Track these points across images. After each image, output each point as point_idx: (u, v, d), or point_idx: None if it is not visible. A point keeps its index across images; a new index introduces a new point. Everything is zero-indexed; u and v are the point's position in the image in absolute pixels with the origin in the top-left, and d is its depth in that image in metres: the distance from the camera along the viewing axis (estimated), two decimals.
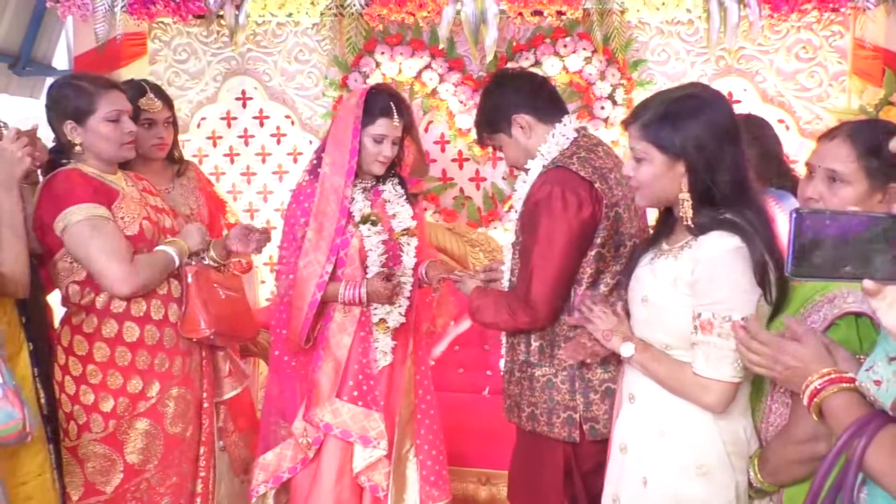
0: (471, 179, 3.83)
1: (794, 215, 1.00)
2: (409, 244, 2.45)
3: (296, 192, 2.42)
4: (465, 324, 3.46)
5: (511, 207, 3.65)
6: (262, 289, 3.86)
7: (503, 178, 3.80)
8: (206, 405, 2.39)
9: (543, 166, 1.98)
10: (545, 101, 2.05)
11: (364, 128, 2.32)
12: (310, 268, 2.31)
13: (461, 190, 3.83)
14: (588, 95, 3.57)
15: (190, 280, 2.31)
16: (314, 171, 2.40)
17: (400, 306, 2.41)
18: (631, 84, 3.56)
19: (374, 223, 2.40)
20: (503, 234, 3.73)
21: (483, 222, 3.77)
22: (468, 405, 3.27)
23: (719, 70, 3.54)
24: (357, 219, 2.38)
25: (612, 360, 1.90)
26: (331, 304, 2.38)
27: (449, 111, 3.73)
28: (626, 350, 1.67)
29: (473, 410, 3.23)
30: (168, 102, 2.70)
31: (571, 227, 1.84)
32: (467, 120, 3.71)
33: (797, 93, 3.49)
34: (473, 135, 3.68)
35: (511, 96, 2.05)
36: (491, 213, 3.78)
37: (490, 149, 3.65)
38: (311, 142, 3.91)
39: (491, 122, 2.10)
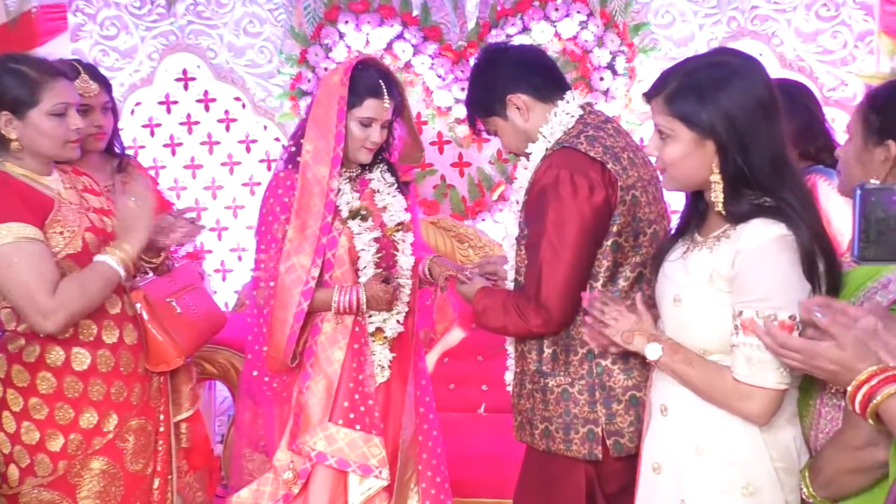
0: (453, 165, 3.84)
1: (858, 192, 1.01)
2: (404, 241, 2.44)
3: (272, 185, 2.39)
4: (457, 333, 3.47)
5: (500, 196, 3.75)
6: (226, 287, 3.82)
7: (490, 163, 3.83)
8: (162, 428, 2.37)
9: (547, 149, 1.99)
10: (544, 78, 2.06)
11: (350, 110, 2.31)
12: (293, 273, 2.28)
13: (442, 177, 3.84)
14: (584, 65, 3.61)
15: (140, 309, 2.29)
16: (292, 159, 2.38)
17: (398, 313, 2.41)
18: (632, 51, 3.62)
19: (364, 218, 2.39)
20: (493, 226, 3.76)
21: (469, 214, 3.79)
22: (462, 425, 3.27)
23: (731, 32, 3.61)
24: (345, 214, 2.37)
25: (636, 364, 1.92)
26: (318, 314, 2.37)
27: (425, 87, 3.74)
28: (652, 352, 1.66)
29: (469, 431, 3.23)
30: (105, 85, 2.65)
31: (583, 215, 1.85)
32: (446, 97, 3.72)
33: (819, 56, 3.57)
34: (454, 113, 3.82)
35: (504, 74, 2.05)
36: (478, 202, 3.79)
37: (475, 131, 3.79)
38: (265, 127, 3.90)
39: (483, 105, 2.10)
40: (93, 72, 2.64)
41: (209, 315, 2.52)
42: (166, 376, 2.40)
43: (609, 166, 1.87)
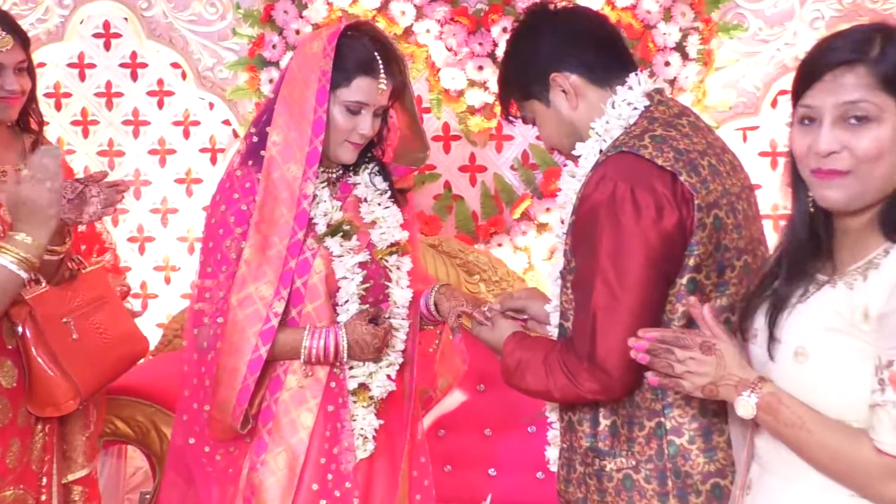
0: (462, 169, 3.84)
1: None
2: (399, 267, 2.46)
3: (224, 187, 2.40)
4: (455, 394, 3.47)
5: (525, 214, 3.75)
6: (149, 319, 3.80)
7: (512, 168, 3.83)
8: (44, 496, 2.38)
9: (601, 151, 2.00)
10: (601, 53, 2.07)
11: (333, 90, 2.33)
12: (249, 307, 2.29)
13: (447, 185, 3.84)
14: (645, 45, 3.63)
15: (22, 331, 2.30)
16: (253, 153, 2.38)
17: (389, 364, 2.42)
18: (710, 29, 3.64)
19: (346, 235, 2.39)
20: (514, 254, 3.76)
21: (481, 235, 3.79)
22: None
23: (844, 11, 3.64)
24: (321, 229, 2.38)
25: (720, 442, 1.92)
26: (280, 364, 2.38)
27: (431, 63, 3.75)
28: (745, 406, 1.65)
29: None
30: (22, 39, 2.66)
31: (650, 244, 1.85)
32: (457, 77, 3.73)
33: None
34: (468, 100, 3.82)
35: (549, 45, 2.07)
36: (493, 221, 3.80)
37: (496, 123, 3.80)
38: (211, 105, 3.91)
39: (521, 84, 2.12)
40: (6, 20, 2.65)
41: (123, 340, 2.53)
42: (54, 424, 2.42)
43: (682, 178, 1.87)
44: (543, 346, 2.03)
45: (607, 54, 2.08)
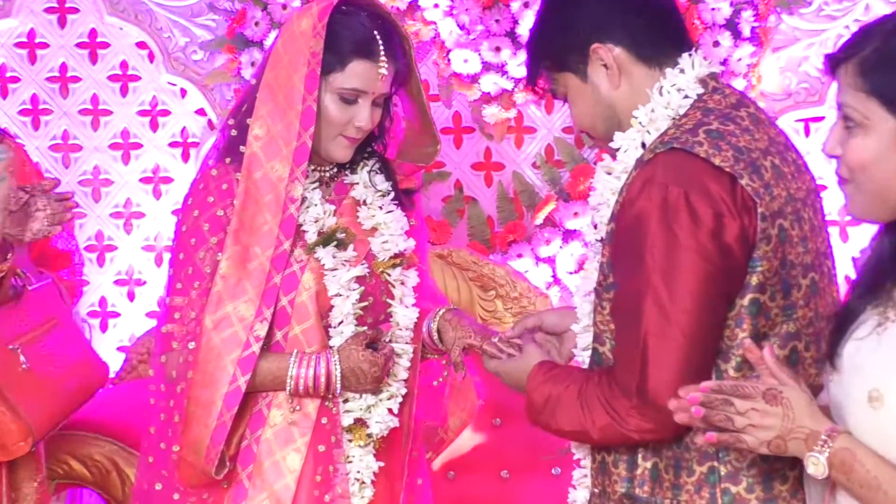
0: (476, 167, 3.84)
1: None
2: (403, 282, 2.46)
3: (197, 188, 2.40)
4: (467, 430, 3.43)
5: (549, 219, 3.73)
6: (108, 342, 3.80)
7: (535, 166, 3.82)
8: None
9: (644, 146, 1.98)
10: (654, 26, 2.05)
11: (325, 75, 2.34)
12: (226, 329, 2.29)
13: (458, 185, 3.84)
14: (690, 21, 3.61)
15: None
16: (231, 149, 2.39)
17: (391, 396, 2.42)
18: (766, 2, 3.63)
19: (341, 245, 2.39)
20: (537, 267, 3.75)
21: (498, 245, 3.79)
22: None
23: None
24: (311, 238, 2.39)
25: (784, 491, 1.90)
26: (262, 396, 2.39)
27: (439, 43, 3.76)
28: (815, 465, 1.64)
29: None
30: None
31: (709, 258, 1.83)
32: (471, 60, 3.73)
33: None
34: (483, 86, 3.78)
35: (595, 9, 2.06)
36: (512, 227, 3.79)
37: (515, 112, 3.80)
38: (183, 92, 3.92)
39: (555, 52, 2.10)
40: None
41: (78, 368, 2.53)
42: (2, 470, 2.43)
43: (743, 182, 1.86)
44: (576, 378, 2.00)
45: (660, 28, 2.05)
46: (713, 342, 1.88)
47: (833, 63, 1.65)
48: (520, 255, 3.77)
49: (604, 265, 1.98)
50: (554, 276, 3.74)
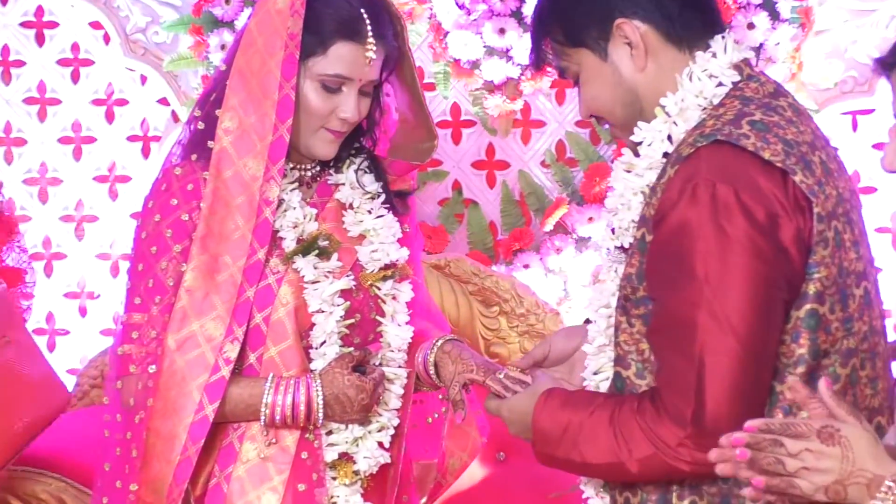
0: (477, 165, 3.86)
1: None
2: (395, 297, 2.47)
3: (160, 190, 2.40)
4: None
5: (560, 225, 3.73)
6: (56, 362, 3.77)
7: (544, 165, 3.84)
8: None
9: (671, 139, 1.99)
10: (686, 2, 2.06)
11: (305, 60, 2.35)
12: (191, 351, 2.30)
13: (457, 186, 3.86)
14: None
15: None
16: (198, 144, 2.40)
17: (382, 428, 2.41)
18: None
19: (323, 254, 2.39)
20: (545, 278, 3.76)
21: (503, 254, 3.80)
22: None
23: None
24: (290, 245, 2.39)
25: None
26: (234, 428, 2.39)
27: (436, 25, 3.77)
28: None
29: None
30: None
31: (767, 262, 1.85)
32: (472, 43, 3.74)
33: None
34: (486, 72, 3.78)
35: None
36: (518, 234, 3.80)
37: (522, 103, 3.80)
38: (143, 78, 3.92)
39: (571, 25, 2.10)
40: None
41: (36, 391, 2.56)
42: None
43: (797, 178, 1.87)
44: (603, 404, 1.98)
45: (693, 5, 2.07)
46: (771, 357, 1.89)
47: (883, 67, 1.67)
48: (527, 266, 3.78)
49: (632, 276, 1.97)
50: (565, 290, 3.75)
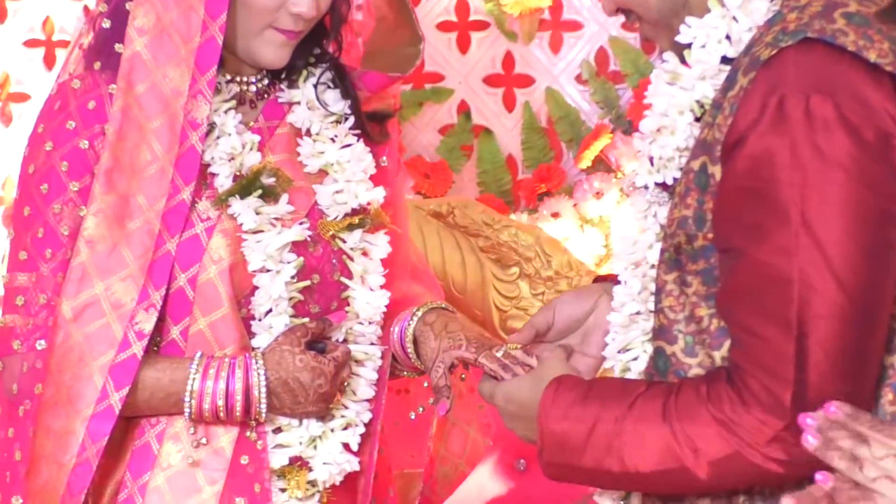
0: (491, 81, 3.90)
1: None
2: (365, 252, 2.50)
3: (51, 111, 2.43)
4: (482, 476, 3.51)
5: (602, 159, 3.73)
6: None
7: (579, 80, 3.86)
8: None
9: (730, 40, 2.02)
10: None
11: None
12: (93, 321, 2.33)
13: (464, 108, 3.89)
14: None
15: None
16: (101, 50, 2.43)
17: (348, 425, 2.47)
18: None
19: (269, 195, 2.41)
20: (580, 231, 3.77)
21: (525, 198, 3.84)
22: None
23: None
24: (224, 183, 2.40)
25: None
26: (150, 424, 2.42)
27: None
28: None
29: None
30: None
31: (880, 190, 1.88)
32: None
33: None
34: None
35: None
36: (545, 172, 3.83)
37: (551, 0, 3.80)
38: None
39: None
40: None
41: None
42: None
43: None
44: (645, 394, 2.01)
45: None
46: (886, 318, 1.93)
47: None
48: (556, 215, 3.80)
49: (687, 220, 2.00)
50: (606, 246, 3.78)
